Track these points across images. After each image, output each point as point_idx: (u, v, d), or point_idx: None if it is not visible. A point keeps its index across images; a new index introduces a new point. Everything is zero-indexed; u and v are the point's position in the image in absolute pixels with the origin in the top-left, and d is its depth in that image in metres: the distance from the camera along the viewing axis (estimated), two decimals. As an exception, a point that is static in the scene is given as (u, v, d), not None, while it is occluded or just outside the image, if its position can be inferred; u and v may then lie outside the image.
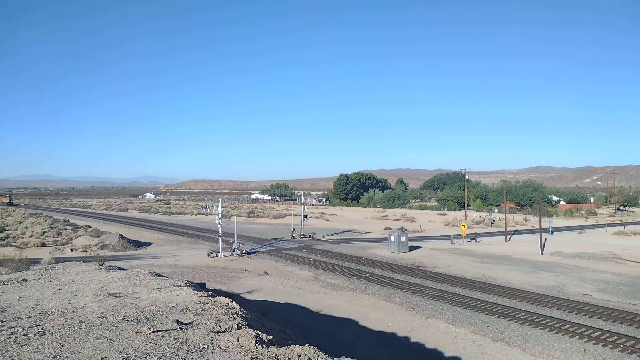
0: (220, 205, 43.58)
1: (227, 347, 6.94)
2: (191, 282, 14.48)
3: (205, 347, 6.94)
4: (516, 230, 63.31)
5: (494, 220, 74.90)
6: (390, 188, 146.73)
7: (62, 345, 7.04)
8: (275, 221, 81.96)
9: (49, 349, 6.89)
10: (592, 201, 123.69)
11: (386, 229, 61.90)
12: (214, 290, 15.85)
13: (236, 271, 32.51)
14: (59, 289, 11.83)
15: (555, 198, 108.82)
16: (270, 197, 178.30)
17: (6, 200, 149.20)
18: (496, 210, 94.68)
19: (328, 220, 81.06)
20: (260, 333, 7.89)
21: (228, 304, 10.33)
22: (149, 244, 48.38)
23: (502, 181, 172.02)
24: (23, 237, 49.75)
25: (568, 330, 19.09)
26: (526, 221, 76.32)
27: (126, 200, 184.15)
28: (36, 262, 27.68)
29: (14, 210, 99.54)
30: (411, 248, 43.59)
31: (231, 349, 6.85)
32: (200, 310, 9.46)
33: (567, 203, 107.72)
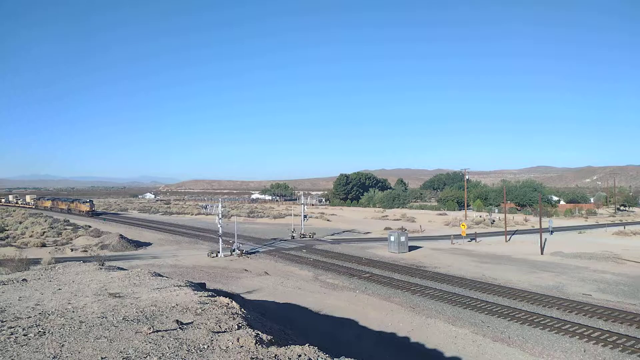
0: (220, 205, 43.61)
1: (227, 347, 6.94)
2: (191, 282, 14.49)
3: (205, 347, 6.94)
4: (516, 230, 63.32)
5: (494, 220, 74.94)
6: (390, 188, 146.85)
7: (62, 345, 7.04)
8: (275, 221, 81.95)
9: (49, 349, 6.89)
10: (592, 201, 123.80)
11: (386, 229, 61.90)
12: (214, 290, 15.85)
13: (236, 271, 32.50)
14: (59, 289, 11.83)
15: (555, 198, 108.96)
16: (270, 197, 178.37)
17: (86, 207, 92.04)
18: (496, 210, 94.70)
19: (328, 220, 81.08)
20: (260, 333, 7.89)
21: (228, 304, 10.33)
22: (149, 244, 48.36)
23: (502, 181, 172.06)
24: (23, 237, 49.71)
25: (568, 330, 19.09)
26: (526, 221, 76.34)
27: (126, 200, 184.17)
28: (36, 262, 27.64)
29: (14, 210, 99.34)
30: (411, 248, 43.59)
31: (231, 349, 6.85)
32: (200, 310, 9.46)
33: (567, 203, 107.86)
